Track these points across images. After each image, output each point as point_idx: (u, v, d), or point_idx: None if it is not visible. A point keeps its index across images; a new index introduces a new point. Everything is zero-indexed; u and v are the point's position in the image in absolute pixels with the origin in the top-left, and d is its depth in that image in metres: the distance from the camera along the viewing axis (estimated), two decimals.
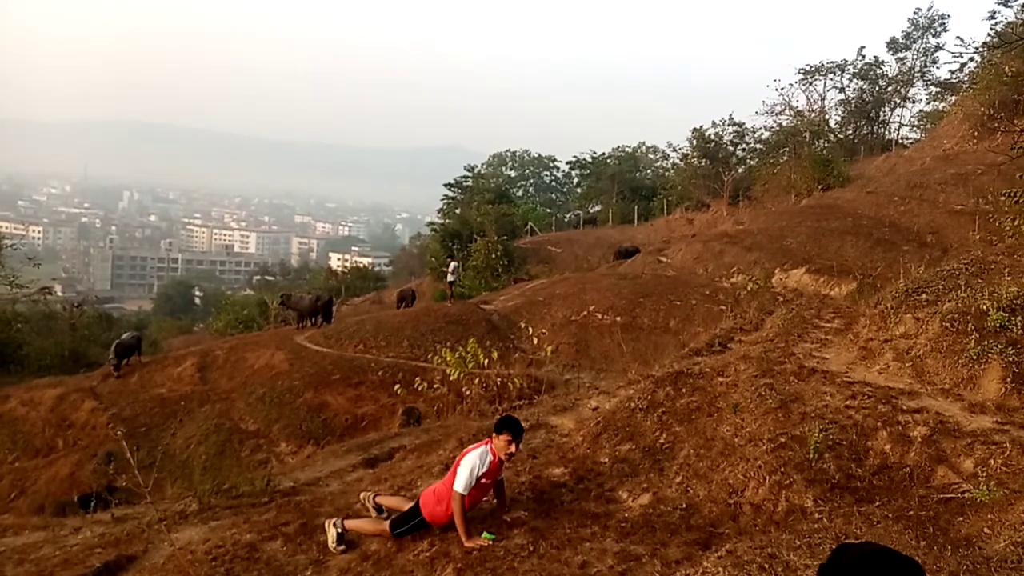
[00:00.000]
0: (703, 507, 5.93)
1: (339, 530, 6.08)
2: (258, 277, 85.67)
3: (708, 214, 37.87)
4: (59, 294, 47.16)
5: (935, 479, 5.61)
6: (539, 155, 76.21)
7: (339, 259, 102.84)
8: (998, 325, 7.00)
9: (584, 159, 62.64)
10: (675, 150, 49.03)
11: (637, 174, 59.19)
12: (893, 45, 45.26)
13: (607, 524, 5.85)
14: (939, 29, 43.69)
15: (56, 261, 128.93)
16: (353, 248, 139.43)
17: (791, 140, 42.17)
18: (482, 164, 70.54)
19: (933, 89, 44.87)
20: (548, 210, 63.56)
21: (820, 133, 44.46)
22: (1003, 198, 14.67)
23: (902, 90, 45.64)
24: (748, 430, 6.55)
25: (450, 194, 56.69)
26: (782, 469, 5.86)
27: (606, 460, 7.04)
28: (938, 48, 44.02)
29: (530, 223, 50.53)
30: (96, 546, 6.80)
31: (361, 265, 65.42)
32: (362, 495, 6.81)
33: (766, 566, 4.30)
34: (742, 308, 15.65)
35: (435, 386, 12.88)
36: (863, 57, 45.79)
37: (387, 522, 6.10)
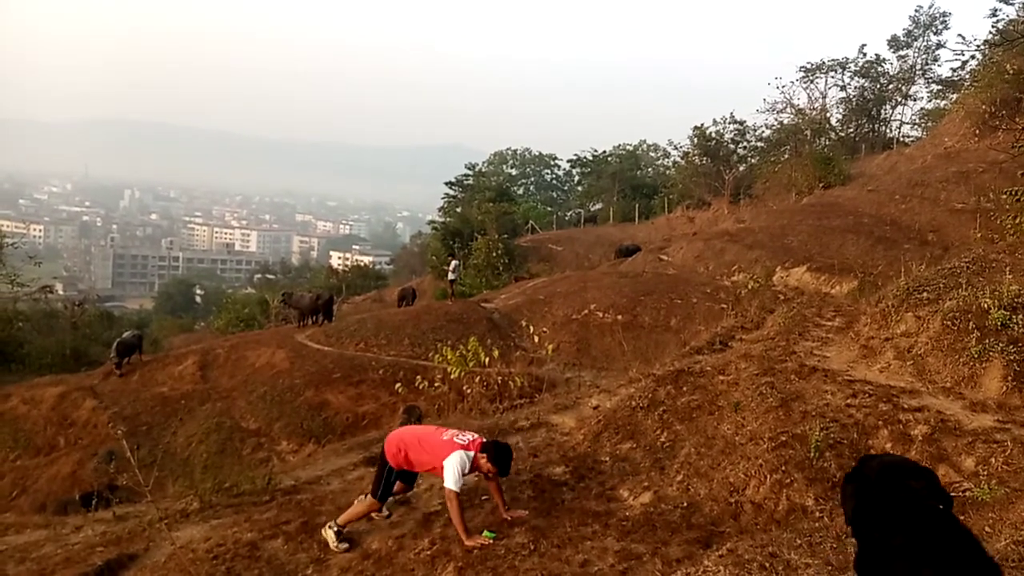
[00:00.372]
0: (704, 506, 5.94)
1: (335, 529, 6.10)
2: (259, 276, 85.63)
3: (709, 212, 37.83)
4: (60, 293, 47.23)
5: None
6: (540, 153, 76.13)
7: (340, 257, 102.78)
8: (999, 323, 6.99)
9: (585, 157, 62.58)
10: (676, 148, 48.98)
11: (638, 172, 59.13)
12: (894, 43, 45.16)
13: (608, 523, 5.86)
14: (940, 27, 43.58)
15: (57, 260, 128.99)
16: (354, 246, 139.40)
17: (792, 138, 42.11)
18: (483, 162, 70.45)
19: (934, 87, 44.77)
20: (549, 208, 63.50)
21: (821, 131, 44.38)
22: (1004, 196, 14.67)
23: (903, 88, 45.54)
24: (749, 428, 6.55)
25: (451, 192, 56.63)
26: (783, 468, 5.86)
27: (607, 459, 7.04)
28: (939, 46, 43.93)
29: (531, 221, 50.49)
30: (98, 544, 6.81)
31: (362, 264, 65.41)
32: (358, 499, 6.83)
33: (767, 565, 4.30)
34: (743, 306, 15.64)
35: (436, 384, 12.87)
36: (864, 55, 45.72)
37: (369, 495, 6.19)
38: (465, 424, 9.21)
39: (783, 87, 45.27)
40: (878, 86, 45.92)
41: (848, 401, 6.72)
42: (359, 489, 7.32)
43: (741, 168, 41.49)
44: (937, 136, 34.20)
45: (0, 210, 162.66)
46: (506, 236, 38.97)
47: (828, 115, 46.45)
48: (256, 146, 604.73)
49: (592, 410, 8.45)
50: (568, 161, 68.53)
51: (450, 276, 26.54)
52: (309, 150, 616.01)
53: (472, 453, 5.81)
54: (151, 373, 20.08)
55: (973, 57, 35.20)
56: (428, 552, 5.74)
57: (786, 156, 40.12)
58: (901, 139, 44.18)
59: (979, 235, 16.53)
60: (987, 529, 4.55)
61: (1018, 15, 27.39)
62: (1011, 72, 24.69)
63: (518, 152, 76.19)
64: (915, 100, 46.14)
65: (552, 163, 74.93)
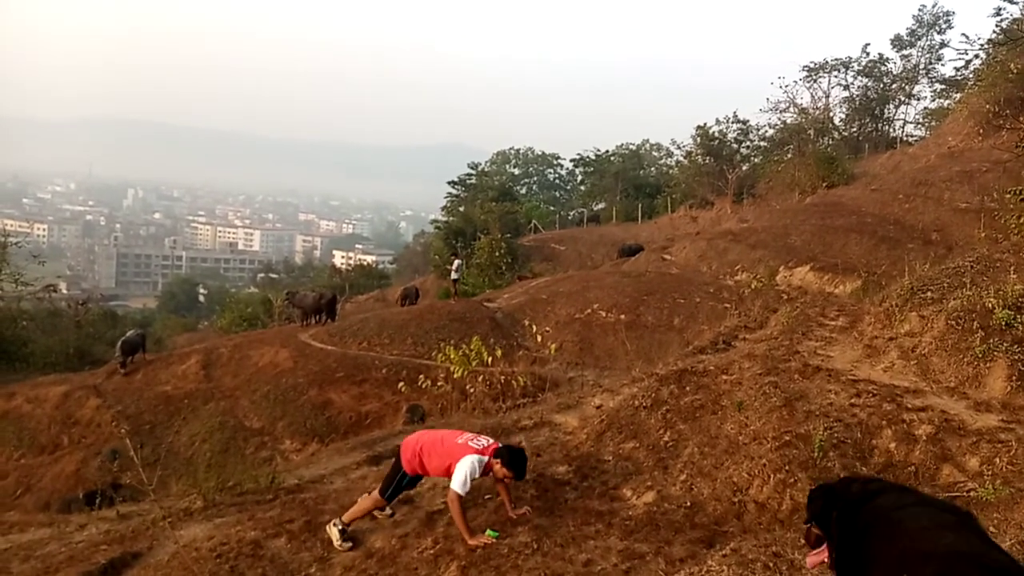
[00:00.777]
0: (707, 505, 5.94)
1: (340, 527, 6.10)
2: (262, 275, 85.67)
3: (712, 212, 37.80)
4: (64, 292, 47.31)
5: (940, 478, 5.60)
6: (543, 153, 76.14)
7: (343, 257, 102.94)
8: (1003, 323, 6.98)
9: (588, 157, 62.57)
10: (679, 148, 48.95)
11: (641, 172, 59.12)
12: (898, 42, 45.08)
13: (611, 522, 5.86)
14: (944, 26, 43.49)
15: (61, 259, 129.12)
16: (357, 246, 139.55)
17: (795, 138, 42.03)
18: (486, 162, 70.46)
19: (938, 86, 44.65)
20: (552, 208, 63.52)
21: (824, 131, 44.31)
22: (1008, 196, 14.62)
23: (907, 87, 45.46)
24: (752, 428, 6.55)
25: (454, 192, 56.65)
26: (787, 467, 5.85)
27: (610, 458, 7.04)
28: (943, 45, 43.81)
29: (534, 221, 50.48)
30: (101, 543, 6.82)
31: (365, 263, 65.47)
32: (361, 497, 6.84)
33: (770, 564, 4.30)
34: (746, 306, 15.64)
35: (439, 384, 12.87)
36: (867, 54, 45.65)
37: (377, 492, 6.17)
38: (468, 423, 9.22)
39: (786, 86, 45.24)
40: (881, 85, 45.84)
41: (852, 401, 6.71)
42: (362, 488, 7.33)
43: (744, 167, 41.44)
44: (941, 135, 34.15)
45: (4, 209, 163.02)
46: (509, 235, 38.96)
47: (831, 114, 46.40)
48: (259, 145, 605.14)
49: (595, 409, 8.44)
50: (571, 160, 68.57)
51: (453, 275, 26.54)
52: (311, 149, 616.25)
53: (486, 458, 5.79)
54: (155, 372, 20.11)
55: (977, 56, 35.11)
56: (431, 551, 5.75)
57: (789, 155, 40.04)
58: (905, 138, 44.09)
59: (983, 235, 16.46)
60: (992, 529, 4.54)
61: (1022, 14, 27.36)
62: (1015, 71, 24.63)
63: (521, 151, 76.21)
64: (919, 99, 46.10)
65: (555, 162, 74.94)
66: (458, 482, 5.67)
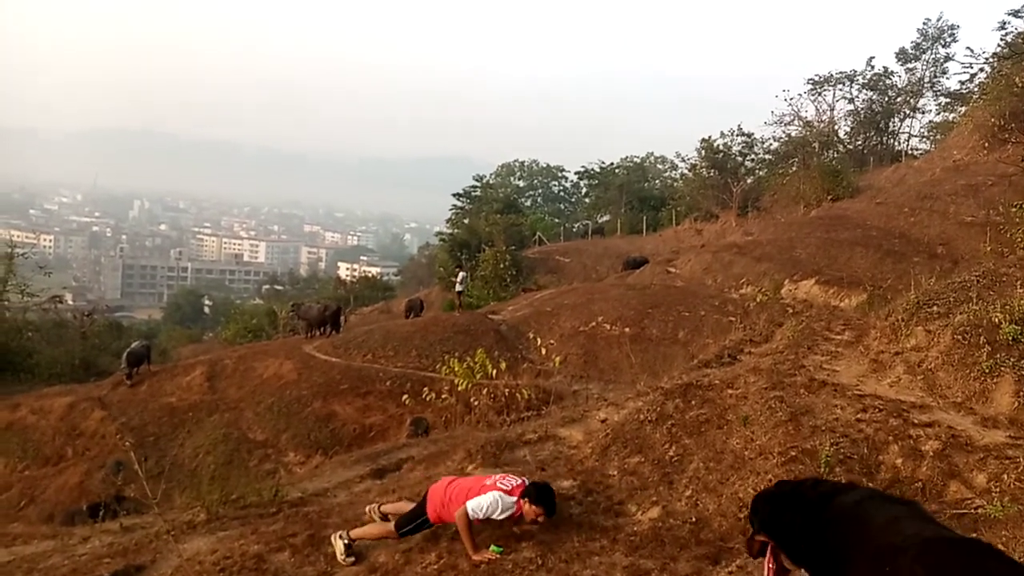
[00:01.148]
0: (713, 521, 5.90)
1: (346, 541, 6.07)
2: (267, 286, 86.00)
3: (717, 224, 37.80)
4: (70, 303, 47.36)
5: (948, 494, 5.56)
6: (547, 165, 76.37)
7: (348, 269, 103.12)
8: (1010, 338, 6.95)
9: (592, 169, 62.72)
10: (683, 160, 49.01)
11: (645, 184, 59.23)
12: (902, 55, 45.17)
13: (616, 538, 5.82)
14: (949, 39, 43.57)
15: (67, 270, 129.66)
16: (362, 257, 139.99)
17: (800, 150, 42.02)
18: (490, 174, 70.67)
19: (943, 100, 44.66)
20: (556, 220, 63.59)
21: (829, 143, 44.33)
22: (1014, 209, 14.62)
23: (911, 101, 45.48)
24: (758, 443, 6.51)
25: (458, 204, 56.81)
26: None
27: (615, 473, 7.01)
28: (948, 59, 43.88)
29: (538, 233, 50.55)
30: (104, 556, 6.80)
31: (370, 275, 65.69)
32: (368, 507, 6.81)
33: None
34: (751, 319, 15.59)
35: (443, 396, 12.85)
36: (872, 67, 45.74)
37: (392, 524, 6.10)
38: (472, 436, 9.20)
39: (791, 99, 45.32)
40: (886, 99, 45.88)
41: (858, 416, 6.67)
42: (365, 501, 7.31)
43: (749, 180, 41.46)
44: (946, 149, 34.12)
45: (11, 220, 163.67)
46: (513, 248, 39.03)
47: (836, 127, 46.44)
48: (263, 157, 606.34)
49: (600, 423, 8.41)
50: (575, 173, 68.73)
51: (457, 288, 26.58)
52: (316, 161, 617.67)
53: (514, 499, 5.70)
54: (159, 384, 20.15)
55: (982, 70, 35.22)
56: (435, 566, 5.71)
57: (794, 168, 40.05)
58: (910, 152, 44.08)
59: (989, 249, 16.43)
60: (1000, 547, 4.51)
61: None
62: (1020, 85, 24.67)
63: (525, 164, 76.46)
64: (923, 113, 46.12)
65: (559, 175, 75.13)
66: (477, 506, 5.59)
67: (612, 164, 61.99)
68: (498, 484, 5.81)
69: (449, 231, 50.81)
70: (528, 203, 70.29)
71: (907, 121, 46.88)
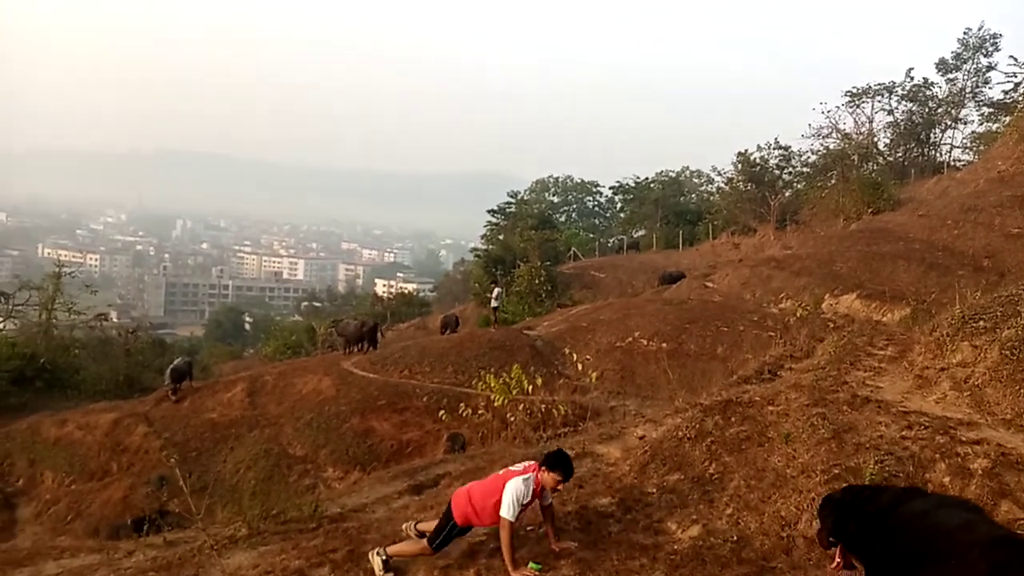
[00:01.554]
0: (755, 540, 5.81)
1: (383, 558, 6.10)
2: (306, 303, 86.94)
3: (755, 238, 37.44)
4: (115, 320, 48.50)
5: (998, 514, 5.41)
6: (582, 180, 76.43)
7: (384, 285, 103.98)
8: None
9: (627, 184, 62.60)
10: (719, 174, 48.72)
11: (681, 199, 58.96)
12: (943, 66, 44.49)
13: (656, 556, 5.76)
14: (991, 49, 42.86)
15: (112, 288, 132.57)
16: (398, 274, 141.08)
17: (839, 163, 41.53)
18: (525, 190, 70.89)
19: (986, 110, 43.88)
20: (591, 235, 63.54)
21: (869, 156, 43.76)
22: None
23: (953, 111, 44.72)
24: (800, 461, 6.41)
25: (493, 220, 57.06)
26: None
27: (654, 490, 6.95)
28: (990, 68, 43.18)
29: (573, 248, 50.53)
30: (149, 570, 6.91)
31: (406, 291, 66.15)
32: (404, 525, 6.83)
33: None
34: (791, 334, 15.37)
35: (479, 412, 12.87)
36: (912, 79, 45.11)
37: (425, 540, 6.13)
38: (509, 452, 9.20)
39: (828, 112, 44.82)
40: (927, 110, 45.19)
41: (903, 433, 6.53)
42: (404, 517, 7.33)
43: (787, 194, 41.07)
44: (990, 160, 33.42)
45: (59, 240, 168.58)
46: (548, 263, 39.06)
47: (875, 139, 45.80)
48: (297, 174, 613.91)
49: (638, 440, 8.34)
50: (610, 188, 68.67)
51: (493, 303, 26.65)
52: (348, 177, 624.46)
53: (531, 475, 5.74)
54: (201, 400, 20.48)
55: None
56: None
57: (833, 181, 39.57)
58: (952, 163, 43.29)
59: None
60: None
61: None
62: None
63: (560, 179, 76.61)
64: (966, 123, 45.36)
65: (594, 190, 75.12)
66: (506, 506, 5.61)
67: (647, 179, 61.85)
68: (510, 469, 5.88)
69: (484, 247, 51.05)
70: (563, 219, 70.39)
71: (949, 132, 46.13)
